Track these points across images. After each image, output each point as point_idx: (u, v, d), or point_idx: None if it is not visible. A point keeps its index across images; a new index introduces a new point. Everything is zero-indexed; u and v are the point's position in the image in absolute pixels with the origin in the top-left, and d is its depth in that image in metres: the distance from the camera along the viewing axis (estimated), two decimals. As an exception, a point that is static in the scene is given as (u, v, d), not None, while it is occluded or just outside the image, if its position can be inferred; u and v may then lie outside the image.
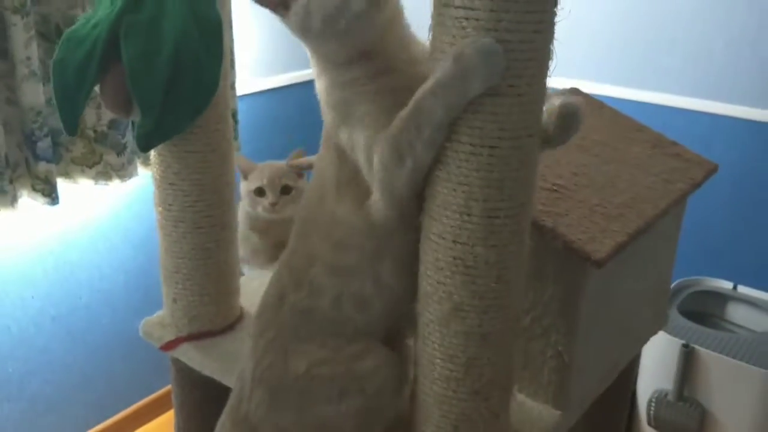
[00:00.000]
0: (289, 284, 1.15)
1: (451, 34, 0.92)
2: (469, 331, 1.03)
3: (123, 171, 2.07)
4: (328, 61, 1.07)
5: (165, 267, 1.43)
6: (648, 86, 2.74)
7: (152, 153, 1.36)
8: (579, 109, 1.01)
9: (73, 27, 1.25)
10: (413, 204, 1.04)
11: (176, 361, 1.47)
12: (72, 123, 1.26)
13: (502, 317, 1.04)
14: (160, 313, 1.51)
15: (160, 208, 1.38)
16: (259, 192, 1.61)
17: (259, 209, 1.61)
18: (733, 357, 2.36)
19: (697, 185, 1.41)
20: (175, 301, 1.43)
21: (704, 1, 2.56)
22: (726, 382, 2.40)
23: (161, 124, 1.23)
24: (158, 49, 1.20)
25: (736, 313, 2.74)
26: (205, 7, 1.24)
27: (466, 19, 0.90)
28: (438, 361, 1.06)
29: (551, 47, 0.96)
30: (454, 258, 1.00)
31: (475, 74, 0.90)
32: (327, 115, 1.11)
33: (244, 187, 1.64)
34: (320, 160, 1.16)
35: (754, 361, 2.33)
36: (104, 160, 2.02)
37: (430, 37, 0.98)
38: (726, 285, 2.74)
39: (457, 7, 0.91)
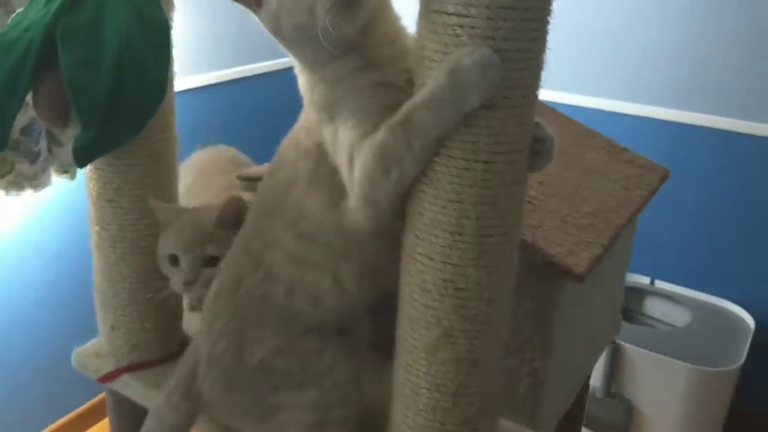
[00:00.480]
0: (247, 268, 1.08)
1: (443, 42, 0.84)
2: (458, 357, 0.96)
3: (36, 180, 1.89)
4: (306, 62, 0.99)
5: (102, 292, 1.29)
6: (569, 88, 2.74)
7: (87, 168, 1.22)
8: (551, 137, 0.95)
9: (1, 30, 1.10)
10: (389, 214, 0.97)
11: (114, 394, 1.34)
12: (2, 136, 1.11)
13: (492, 341, 0.97)
14: (94, 341, 1.37)
15: (96, 228, 1.25)
16: (174, 259, 1.19)
17: (171, 283, 1.21)
18: (657, 352, 2.39)
19: (654, 191, 1.39)
20: (113, 328, 1.30)
21: (623, 2, 2.58)
22: (651, 377, 2.43)
23: (103, 136, 1.11)
24: (100, 55, 1.07)
25: (654, 307, 2.79)
26: (149, 8, 1.11)
27: (461, 26, 0.83)
28: (424, 390, 0.99)
29: (544, 56, 0.90)
30: (444, 280, 0.93)
31: (473, 88, 0.82)
32: (311, 112, 1.02)
33: (160, 249, 1.22)
34: (294, 147, 1.06)
35: (678, 356, 2.38)
36: (16, 170, 1.84)
37: (417, 44, 0.90)
38: (643, 280, 2.79)
39: (449, 14, 0.83)
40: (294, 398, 1.07)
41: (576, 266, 1.09)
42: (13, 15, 1.13)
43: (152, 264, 1.25)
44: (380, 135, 0.91)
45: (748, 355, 2.40)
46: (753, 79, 2.44)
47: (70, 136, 1.23)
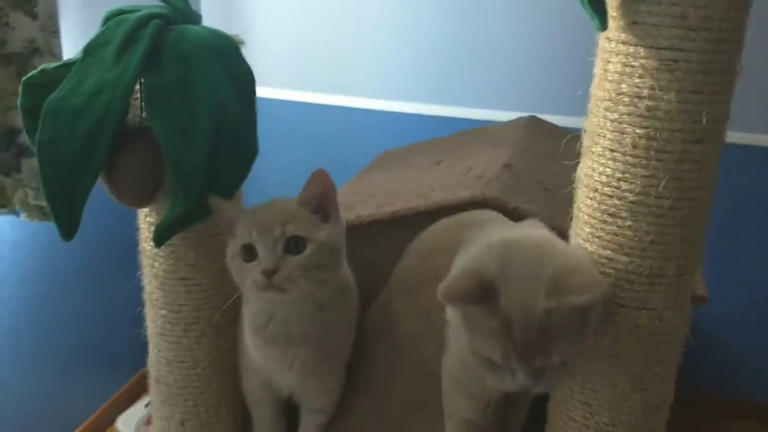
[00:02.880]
0: None
1: (655, 77, 0.75)
2: (647, 403, 0.87)
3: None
4: None
5: (167, 384, 1.06)
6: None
7: (145, 244, 1.01)
8: None
9: (57, 94, 0.86)
10: None
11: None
12: (72, 224, 0.87)
13: (672, 377, 0.89)
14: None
15: (162, 312, 1.03)
16: (248, 252, 0.90)
17: (248, 282, 0.89)
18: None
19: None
20: (182, 423, 1.08)
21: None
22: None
23: (198, 207, 0.91)
24: (195, 119, 0.87)
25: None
26: (235, 61, 0.93)
27: (675, 61, 0.74)
28: (606, 442, 0.89)
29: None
30: (638, 326, 0.84)
31: None
32: None
33: (229, 251, 0.93)
34: None
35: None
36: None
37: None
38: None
39: (661, 48, 0.74)
40: None
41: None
42: (50, 66, 0.89)
43: (228, 343, 1.06)
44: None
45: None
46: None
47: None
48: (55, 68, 0.91)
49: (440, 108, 2.19)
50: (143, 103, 0.87)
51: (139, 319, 1.09)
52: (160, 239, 0.93)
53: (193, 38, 0.90)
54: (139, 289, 1.07)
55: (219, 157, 0.90)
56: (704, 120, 0.75)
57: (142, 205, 0.93)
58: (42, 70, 0.91)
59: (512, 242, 0.80)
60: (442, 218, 1.08)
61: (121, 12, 0.94)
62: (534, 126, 1.51)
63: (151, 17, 0.89)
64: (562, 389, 0.92)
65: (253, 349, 0.99)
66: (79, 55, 0.89)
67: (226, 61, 0.91)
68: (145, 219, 1.00)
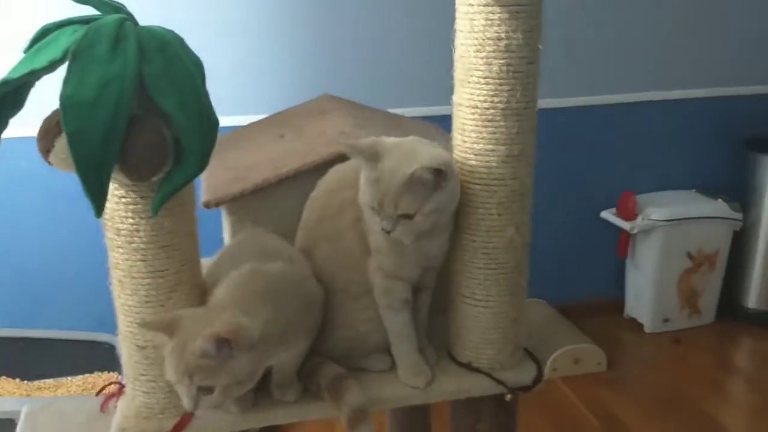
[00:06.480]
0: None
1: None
2: (523, 242, 1.24)
3: None
4: None
5: (152, 346, 1.12)
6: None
7: (130, 221, 1.07)
8: None
9: (68, 91, 0.90)
10: None
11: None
12: (102, 199, 0.94)
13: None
14: (120, 412, 1.18)
15: (147, 281, 1.09)
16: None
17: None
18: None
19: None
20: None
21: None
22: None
23: (202, 164, 1.04)
24: (188, 95, 0.99)
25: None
26: (188, 50, 1.05)
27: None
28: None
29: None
30: (513, 191, 1.20)
31: None
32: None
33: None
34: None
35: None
36: None
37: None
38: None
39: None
40: None
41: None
42: (13, 77, 0.93)
43: (200, 297, 1.17)
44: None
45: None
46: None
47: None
48: (18, 77, 0.95)
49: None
50: (143, 90, 0.96)
51: None
52: (158, 207, 1.02)
53: (159, 33, 1.01)
54: None
55: (205, 124, 1.03)
56: (540, 47, 1.14)
57: (151, 174, 1.00)
58: (4, 81, 0.95)
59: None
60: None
61: (69, 22, 1.00)
62: (338, 98, 1.73)
63: (122, 20, 0.98)
64: (467, 250, 1.23)
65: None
66: (66, 59, 0.93)
67: (185, 50, 1.04)
68: (121, 200, 1.06)
